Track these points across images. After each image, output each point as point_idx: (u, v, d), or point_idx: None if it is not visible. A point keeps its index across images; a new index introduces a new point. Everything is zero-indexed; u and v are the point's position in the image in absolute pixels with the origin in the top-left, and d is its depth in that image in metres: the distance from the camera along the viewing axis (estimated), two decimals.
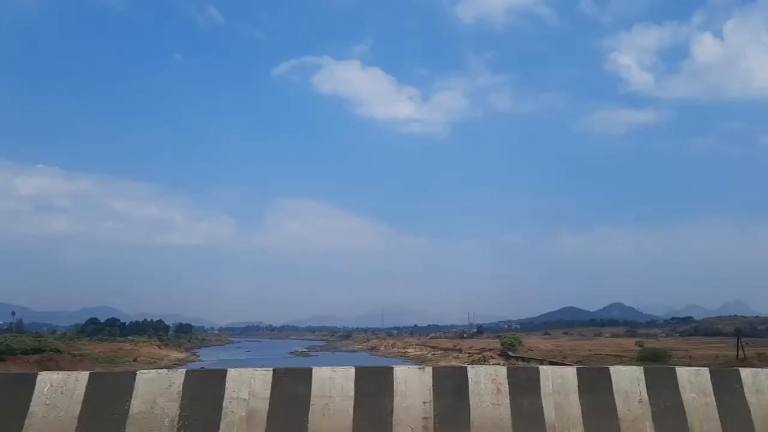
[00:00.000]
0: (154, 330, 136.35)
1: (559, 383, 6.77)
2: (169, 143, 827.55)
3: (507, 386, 6.62)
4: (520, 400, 6.56)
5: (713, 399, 7.03)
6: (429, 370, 6.78)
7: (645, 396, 6.85)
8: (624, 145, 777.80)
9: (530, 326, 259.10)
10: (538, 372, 6.82)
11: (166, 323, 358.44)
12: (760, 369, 7.64)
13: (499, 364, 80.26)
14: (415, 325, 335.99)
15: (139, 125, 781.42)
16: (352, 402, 6.17)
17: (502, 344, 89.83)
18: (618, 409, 6.70)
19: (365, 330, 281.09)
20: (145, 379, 6.09)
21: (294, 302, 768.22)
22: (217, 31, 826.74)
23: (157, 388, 6.04)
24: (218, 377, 6.24)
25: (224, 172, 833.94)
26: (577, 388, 6.75)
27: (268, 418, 6.01)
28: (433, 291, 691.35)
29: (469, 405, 6.42)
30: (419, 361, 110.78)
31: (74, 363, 59.39)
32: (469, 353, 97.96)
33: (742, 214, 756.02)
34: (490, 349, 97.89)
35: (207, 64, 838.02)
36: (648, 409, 6.77)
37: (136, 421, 5.85)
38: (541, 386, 6.69)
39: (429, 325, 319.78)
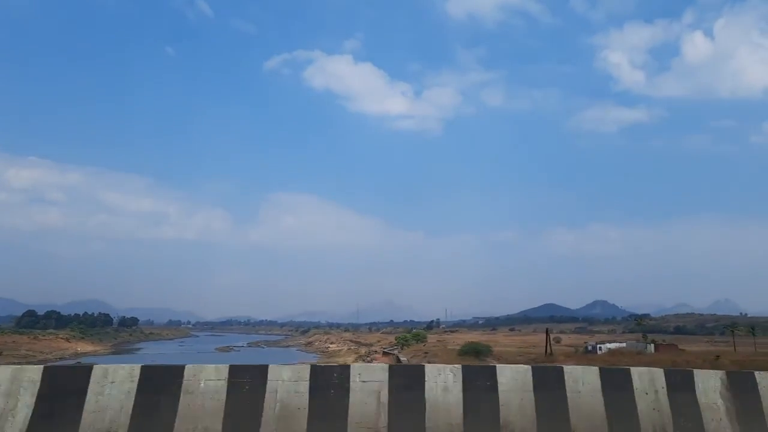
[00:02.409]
0: (79, 323, 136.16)
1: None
2: (162, 136, 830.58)
3: None
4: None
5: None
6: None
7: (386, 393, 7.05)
8: (616, 143, 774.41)
9: (496, 322, 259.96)
10: (349, 369, 7.18)
11: (155, 317, 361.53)
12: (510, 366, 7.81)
13: (376, 360, 79.79)
14: (392, 321, 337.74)
15: (131, 118, 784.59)
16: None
17: (395, 339, 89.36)
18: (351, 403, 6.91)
19: (339, 326, 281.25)
20: None
21: (289, 297, 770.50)
22: (207, 24, 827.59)
23: None
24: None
25: (217, 166, 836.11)
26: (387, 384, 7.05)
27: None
28: (424, 287, 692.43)
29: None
30: (329, 355, 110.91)
31: None
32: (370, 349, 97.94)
33: (734, 213, 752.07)
34: (390, 344, 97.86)
35: (198, 58, 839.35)
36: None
37: None
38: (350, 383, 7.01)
39: (405, 321, 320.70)
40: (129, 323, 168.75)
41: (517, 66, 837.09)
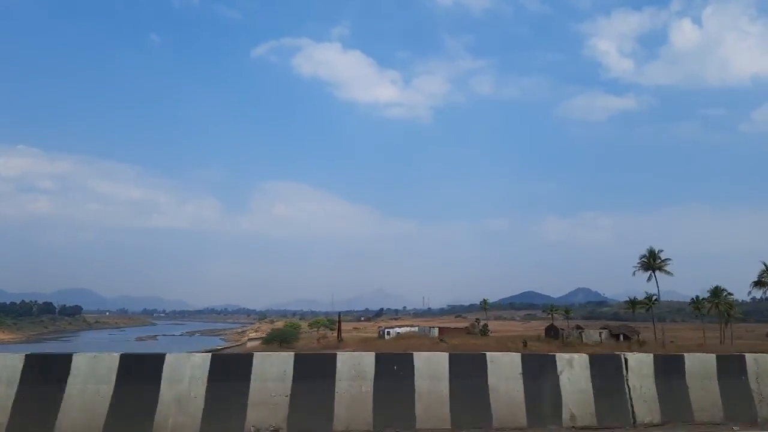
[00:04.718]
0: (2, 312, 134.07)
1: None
2: (150, 124, 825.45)
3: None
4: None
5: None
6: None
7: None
8: (605, 132, 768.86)
9: (460, 310, 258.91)
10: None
11: (144, 306, 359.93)
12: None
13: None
14: (367, 309, 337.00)
15: (120, 106, 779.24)
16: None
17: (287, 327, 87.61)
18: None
19: (318, 314, 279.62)
20: None
21: (280, 286, 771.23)
22: (192, 11, 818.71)
23: None
24: None
25: (207, 155, 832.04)
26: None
27: None
28: (414, 275, 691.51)
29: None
30: (240, 344, 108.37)
31: None
32: None
33: (723, 200, 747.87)
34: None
35: (184, 45, 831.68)
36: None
37: None
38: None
39: (380, 309, 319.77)
40: (70, 312, 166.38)
41: (505, 54, 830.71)
